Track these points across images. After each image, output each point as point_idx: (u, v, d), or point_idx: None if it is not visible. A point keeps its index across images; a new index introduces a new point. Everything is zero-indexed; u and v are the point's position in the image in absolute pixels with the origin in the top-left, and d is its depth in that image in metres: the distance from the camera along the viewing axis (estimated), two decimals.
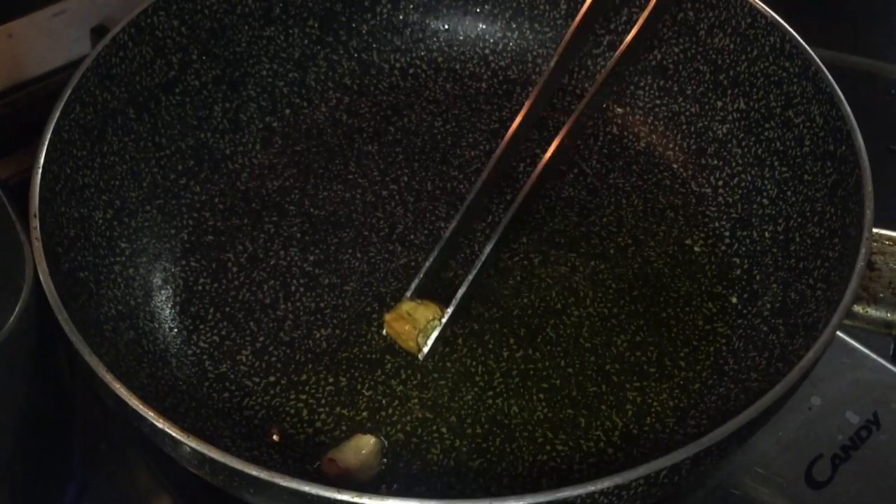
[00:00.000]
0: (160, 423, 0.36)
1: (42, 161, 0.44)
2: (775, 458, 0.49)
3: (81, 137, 0.48)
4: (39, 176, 0.44)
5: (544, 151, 0.56)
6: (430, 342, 0.47)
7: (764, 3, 0.52)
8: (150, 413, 0.36)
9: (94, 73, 0.48)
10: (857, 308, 0.41)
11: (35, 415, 0.44)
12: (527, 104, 0.52)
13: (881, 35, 0.68)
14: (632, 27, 0.57)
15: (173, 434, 0.36)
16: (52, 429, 0.47)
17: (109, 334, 0.44)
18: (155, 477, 0.49)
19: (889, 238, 0.44)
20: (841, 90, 0.47)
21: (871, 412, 0.51)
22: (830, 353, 0.40)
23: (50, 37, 0.59)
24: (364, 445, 0.44)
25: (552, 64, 0.53)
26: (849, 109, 0.46)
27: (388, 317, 0.48)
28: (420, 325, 0.47)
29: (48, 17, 0.58)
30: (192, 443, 0.35)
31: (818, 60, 0.49)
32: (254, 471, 0.34)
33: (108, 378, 0.37)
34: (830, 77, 0.48)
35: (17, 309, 0.39)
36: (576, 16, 0.59)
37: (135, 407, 0.36)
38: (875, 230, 0.42)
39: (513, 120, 0.58)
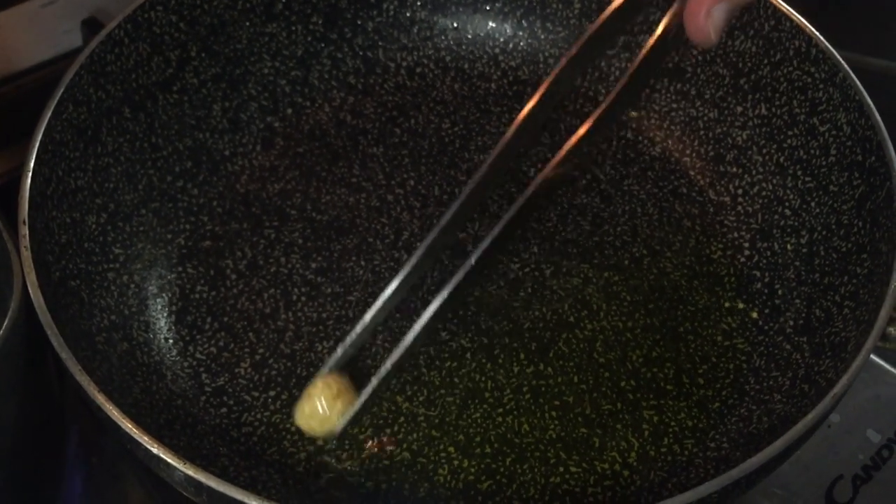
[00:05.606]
0: (155, 449, 0.34)
1: (32, 163, 0.42)
2: (795, 478, 0.48)
3: (74, 138, 0.46)
4: (30, 179, 0.42)
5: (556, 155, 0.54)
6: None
7: (788, 5, 0.50)
8: (144, 437, 0.34)
9: (87, 71, 0.46)
10: (890, 329, 0.40)
11: (25, 429, 0.42)
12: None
13: None
14: (647, 27, 0.56)
15: (168, 460, 0.34)
16: (43, 443, 0.45)
17: (102, 346, 0.43)
18: (147, 492, 0.48)
19: None
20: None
21: (893, 430, 0.50)
22: None
23: (39, 28, 0.57)
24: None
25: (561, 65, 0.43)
26: (879, 119, 0.44)
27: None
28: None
29: (37, 7, 0.56)
30: (188, 470, 0.33)
31: (846, 66, 0.47)
32: (254, 500, 0.33)
33: (100, 399, 0.35)
34: (860, 84, 0.46)
35: (4, 325, 0.37)
36: (590, 14, 0.57)
37: (128, 430, 0.35)
38: None
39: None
